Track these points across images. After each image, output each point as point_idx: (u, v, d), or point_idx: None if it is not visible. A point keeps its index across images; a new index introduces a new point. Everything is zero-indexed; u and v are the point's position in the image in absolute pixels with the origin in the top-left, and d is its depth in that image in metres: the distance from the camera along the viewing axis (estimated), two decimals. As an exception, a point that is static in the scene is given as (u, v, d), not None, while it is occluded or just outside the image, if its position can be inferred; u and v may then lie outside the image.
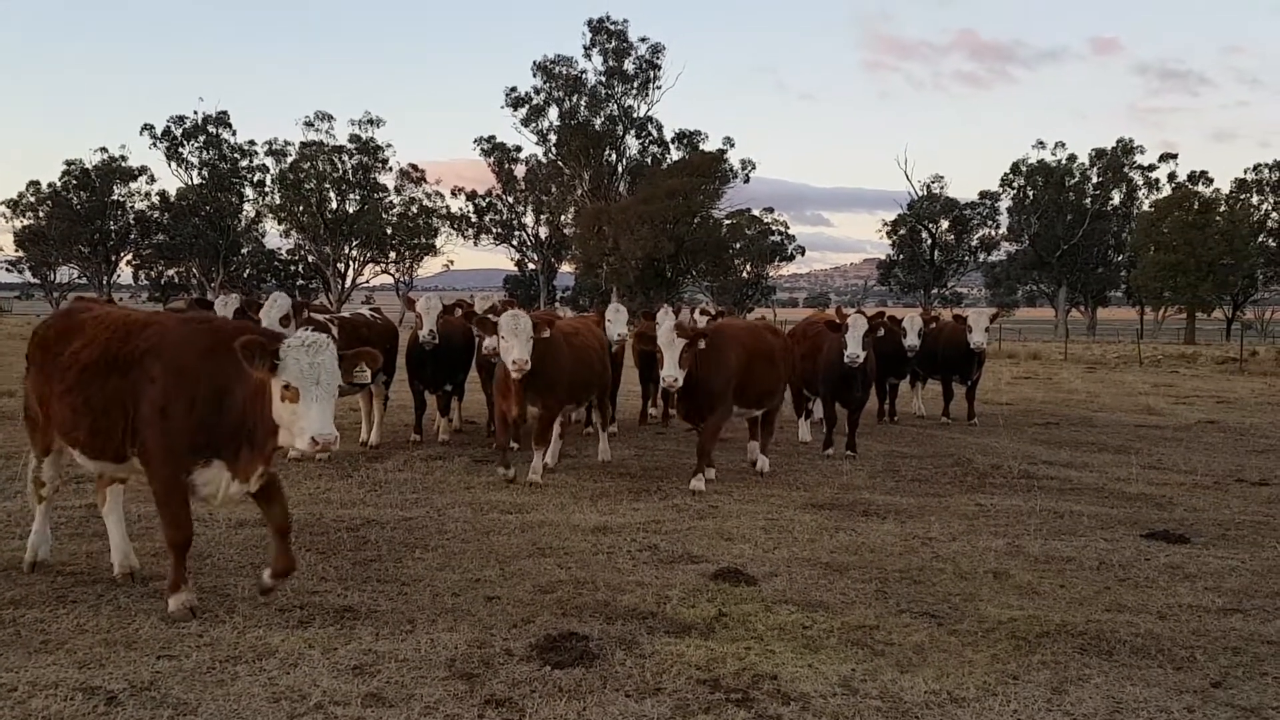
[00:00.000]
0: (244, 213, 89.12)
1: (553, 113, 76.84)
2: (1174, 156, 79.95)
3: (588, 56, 75.81)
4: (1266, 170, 75.56)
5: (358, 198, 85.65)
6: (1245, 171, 76.86)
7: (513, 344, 9.47)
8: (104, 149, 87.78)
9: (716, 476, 10.78)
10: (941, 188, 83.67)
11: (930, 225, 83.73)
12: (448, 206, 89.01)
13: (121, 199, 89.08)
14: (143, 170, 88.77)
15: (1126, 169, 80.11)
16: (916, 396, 17.65)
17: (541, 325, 9.70)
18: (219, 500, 5.92)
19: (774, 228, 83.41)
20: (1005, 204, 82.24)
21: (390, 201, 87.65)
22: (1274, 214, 75.72)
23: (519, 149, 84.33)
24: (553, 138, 77.19)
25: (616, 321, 13.47)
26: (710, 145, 76.55)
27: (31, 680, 4.79)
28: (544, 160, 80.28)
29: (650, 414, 15.41)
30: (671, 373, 9.49)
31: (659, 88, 76.62)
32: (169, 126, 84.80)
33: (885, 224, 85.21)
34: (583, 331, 11.33)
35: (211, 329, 5.91)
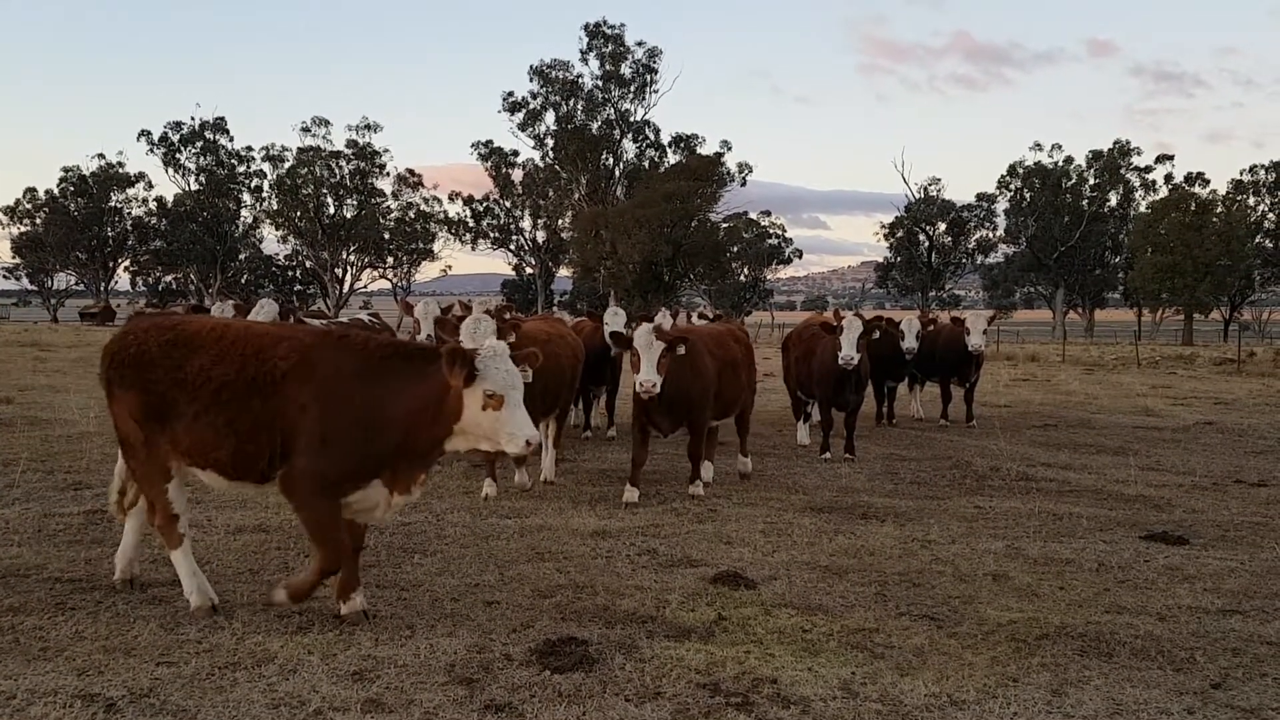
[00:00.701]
0: (241, 218, 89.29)
1: (550, 117, 76.98)
2: (1170, 158, 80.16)
3: (584, 61, 75.97)
4: (1263, 171, 75.72)
5: (355, 203, 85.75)
6: (1241, 172, 77.02)
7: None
8: (101, 155, 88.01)
9: (714, 480, 10.77)
10: (939, 190, 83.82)
11: (927, 228, 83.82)
12: (445, 211, 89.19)
13: (119, 205, 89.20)
14: (140, 176, 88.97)
15: (1123, 171, 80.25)
16: (914, 399, 17.66)
17: (506, 330, 9.39)
18: (378, 516, 5.92)
19: (771, 231, 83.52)
20: (1002, 206, 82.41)
21: (388, 206, 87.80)
22: (1271, 215, 75.89)
23: (516, 153, 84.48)
24: (550, 142, 77.29)
25: (614, 325, 13.46)
26: (707, 149, 76.68)
27: (30, 687, 4.77)
28: (541, 164, 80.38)
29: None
30: (649, 377, 8.97)
31: (656, 91, 76.77)
32: (166, 133, 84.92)
33: (883, 226, 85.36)
34: (555, 338, 10.75)
35: (355, 347, 5.78)
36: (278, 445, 5.60)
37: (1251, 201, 75.65)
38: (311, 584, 5.80)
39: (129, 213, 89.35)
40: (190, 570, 6.00)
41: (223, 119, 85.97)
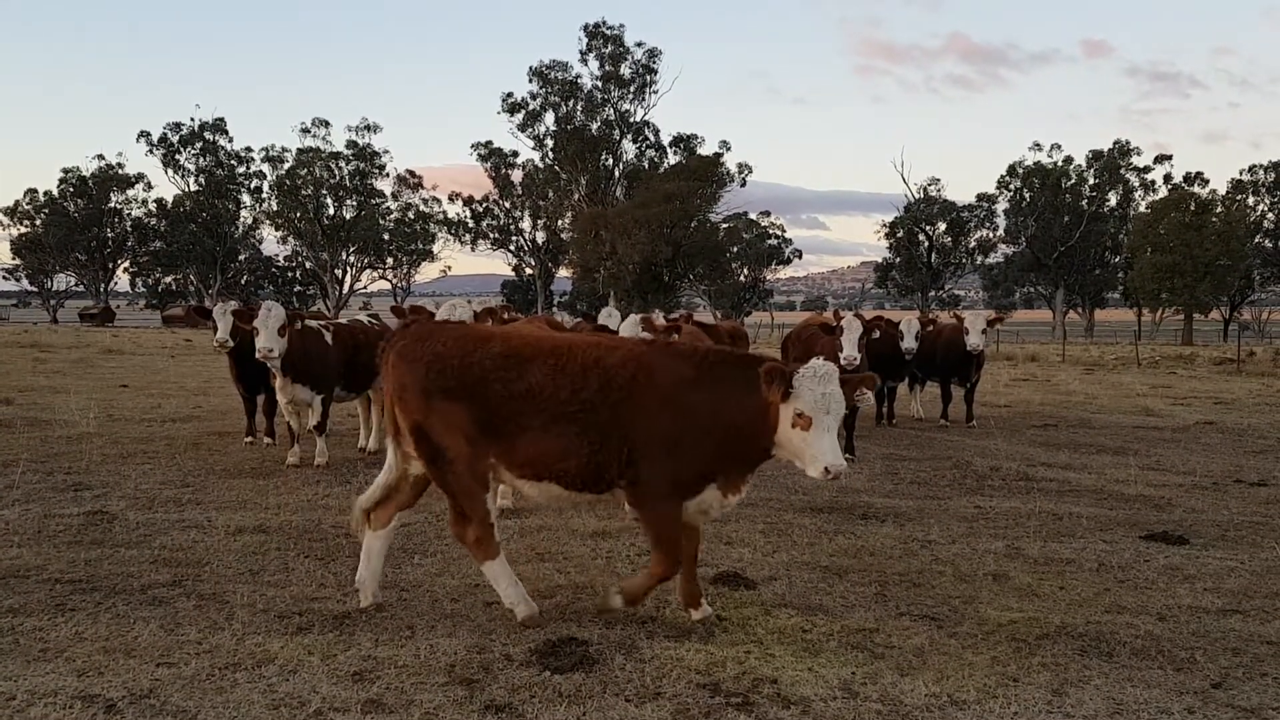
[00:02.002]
0: (241, 219, 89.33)
1: (549, 118, 77.09)
2: (1169, 158, 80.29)
3: (584, 62, 76.09)
4: (1262, 171, 75.78)
5: (355, 204, 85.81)
6: (1241, 172, 77.13)
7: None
8: (101, 156, 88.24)
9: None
10: (938, 190, 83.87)
11: (927, 228, 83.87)
12: (445, 212, 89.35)
13: (118, 206, 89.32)
14: (140, 177, 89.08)
15: (1123, 171, 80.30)
16: (915, 399, 17.66)
17: (484, 318, 9.00)
18: (711, 517, 5.94)
19: (771, 231, 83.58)
20: (1002, 206, 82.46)
21: (387, 207, 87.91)
22: (1270, 215, 75.93)
23: (516, 154, 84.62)
24: (549, 143, 77.39)
25: (610, 326, 13.45)
26: (706, 149, 76.76)
27: (30, 689, 4.77)
28: (541, 165, 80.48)
29: None
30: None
31: (655, 92, 76.90)
32: (166, 133, 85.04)
33: (883, 225, 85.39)
34: None
35: (689, 355, 5.81)
36: (625, 454, 5.58)
37: (1251, 201, 75.73)
38: (647, 588, 5.79)
39: (129, 214, 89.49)
40: (510, 580, 5.94)
41: (222, 120, 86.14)
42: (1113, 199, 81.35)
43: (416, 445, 5.89)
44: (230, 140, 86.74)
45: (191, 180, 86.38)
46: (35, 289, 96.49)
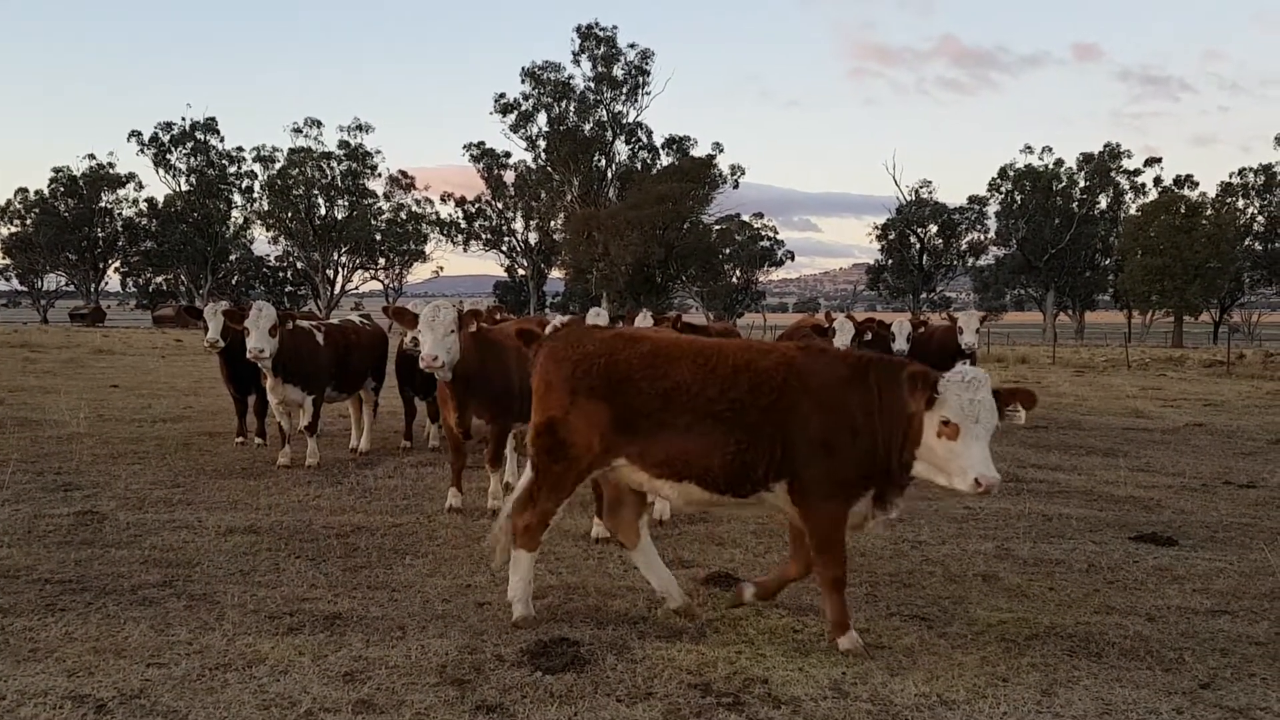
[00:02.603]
0: (232, 219, 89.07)
1: (542, 118, 77.07)
2: (1159, 161, 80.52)
3: (576, 63, 76.08)
4: (1252, 174, 76.10)
5: (346, 204, 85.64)
6: (1231, 175, 77.43)
7: (427, 337, 8.44)
8: (92, 156, 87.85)
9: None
10: (930, 192, 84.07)
11: (919, 230, 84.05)
12: (437, 213, 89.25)
13: (109, 206, 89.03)
14: (130, 177, 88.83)
15: (1113, 173, 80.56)
16: None
17: (468, 320, 8.73)
18: (858, 530, 5.85)
19: (763, 233, 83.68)
20: (993, 208, 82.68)
21: (379, 208, 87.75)
22: (1260, 218, 76.25)
23: (508, 155, 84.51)
24: (542, 143, 77.35)
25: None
26: (699, 151, 76.79)
27: (20, 689, 4.76)
28: (533, 166, 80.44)
29: None
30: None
31: (648, 93, 76.94)
32: (157, 133, 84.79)
33: (875, 228, 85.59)
34: None
35: (840, 358, 5.79)
36: (777, 457, 5.52)
37: (1241, 204, 76.04)
38: (838, 600, 5.61)
39: (119, 213, 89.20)
40: (526, 579, 5.93)
41: (213, 119, 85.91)
42: (1103, 201, 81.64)
43: (539, 436, 5.86)
44: (221, 140, 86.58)
45: (182, 180, 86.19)
46: (25, 289, 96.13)
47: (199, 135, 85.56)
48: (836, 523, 5.58)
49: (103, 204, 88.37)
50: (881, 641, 5.67)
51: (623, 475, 5.89)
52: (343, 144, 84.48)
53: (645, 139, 78.98)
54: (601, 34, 75.37)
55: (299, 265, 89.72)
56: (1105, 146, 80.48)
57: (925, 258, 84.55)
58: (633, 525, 6.12)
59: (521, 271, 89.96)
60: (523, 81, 76.76)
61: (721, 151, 76.51)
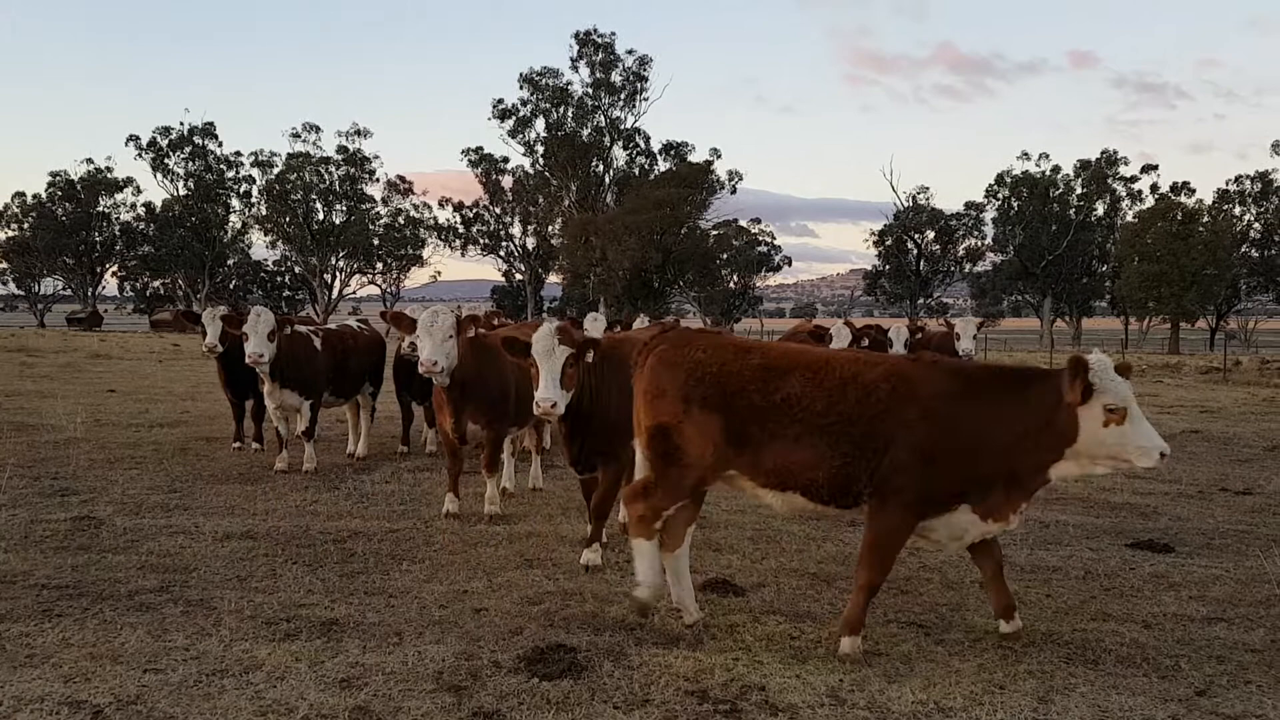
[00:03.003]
0: (230, 224, 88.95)
1: (540, 124, 77.05)
2: (1155, 168, 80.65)
3: (574, 68, 76.09)
4: (1249, 181, 76.24)
5: (344, 209, 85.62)
6: (1227, 182, 77.53)
7: (425, 342, 8.42)
8: (89, 160, 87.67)
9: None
10: (927, 198, 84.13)
11: (916, 236, 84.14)
12: (435, 218, 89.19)
13: (107, 210, 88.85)
14: (128, 181, 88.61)
15: (1110, 180, 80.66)
16: None
17: (465, 325, 8.65)
18: (960, 544, 5.83)
19: (760, 238, 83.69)
20: (990, 215, 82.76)
21: (377, 212, 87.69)
22: (1256, 225, 76.39)
23: (506, 160, 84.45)
24: (540, 149, 77.34)
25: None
26: (696, 156, 76.83)
27: (17, 694, 4.76)
28: (531, 171, 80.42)
29: None
30: (549, 395, 6.74)
31: (646, 99, 76.92)
32: (155, 137, 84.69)
33: (872, 234, 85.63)
34: None
35: (953, 370, 5.85)
36: (880, 467, 5.53)
37: (1237, 211, 76.17)
38: (863, 605, 5.66)
39: (117, 218, 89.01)
40: (652, 565, 5.90)
41: (211, 124, 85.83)
42: (1100, 208, 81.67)
43: (652, 442, 5.88)
44: (220, 144, 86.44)
45: (180, 184, 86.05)
46: (22, 293, 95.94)
47: (197, 140, 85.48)
48: (900, 533, 5.63)
49: (100, 208, 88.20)
50: (879, 648, 5.68)
51: (729, 484, 5.93)
52: (341, 149, 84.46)
53: (643, 144, 79.03)
54: (600, 40, 75.44)
55: (297, 270, 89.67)
56: (1102, 153, 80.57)
57: (922, 264, 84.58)
58: (681, 529, 6.11)
59: (519, 276, 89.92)
60: (521, 87, 76.80)
61: (719, 157, 76.54)
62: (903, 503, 5.53)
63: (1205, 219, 70.46)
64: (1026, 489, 5.63)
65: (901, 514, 5.56)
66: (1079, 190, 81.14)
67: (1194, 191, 77.99)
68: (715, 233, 75.56)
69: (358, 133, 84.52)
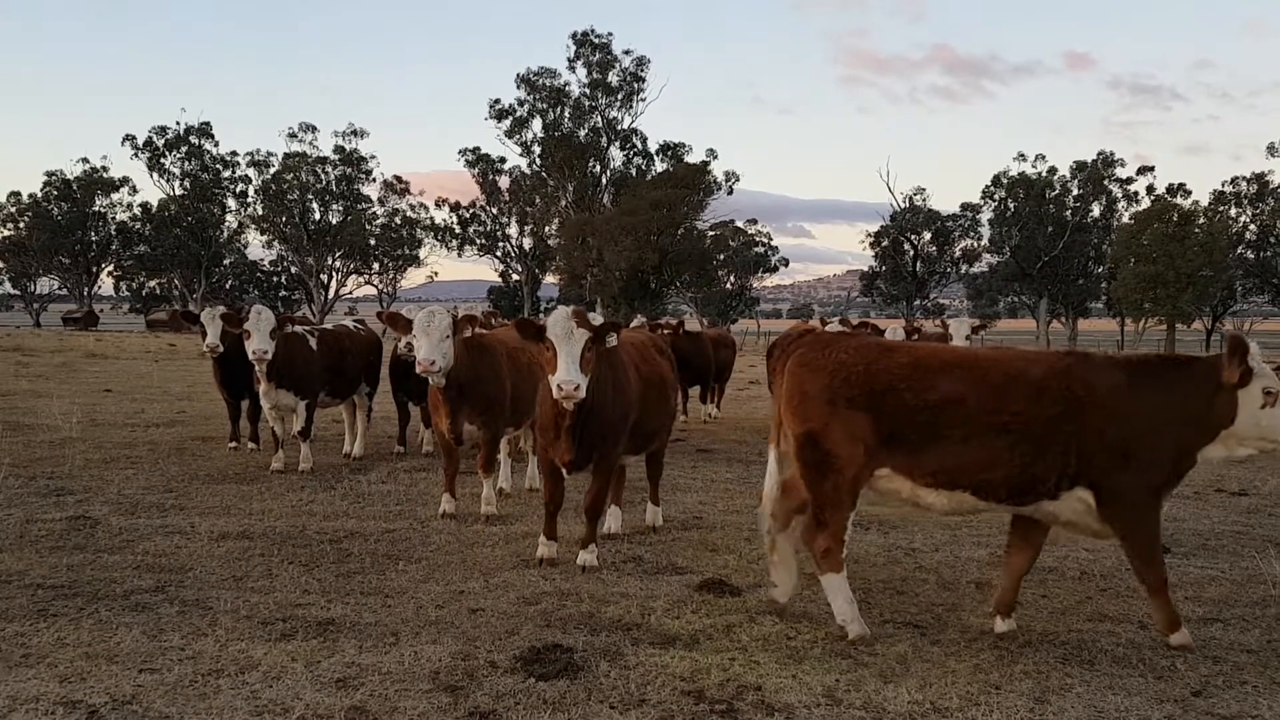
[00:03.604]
0: (226, 224, 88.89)
1: (536, 124, 76.97)
2: (1152, 169, 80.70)
3: (571, 69, 76.02)
4: (1244, 183, 76.36)
5: (341, 209, 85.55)
6: (1223, 184, 77.67)
7: (422, 342, 8.40)
8: (85, 159, 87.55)
9: (700, 486, 10.78)
10: (924, 200, 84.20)
11: (912, 237, 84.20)
12: (431, 218, 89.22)
13: (103, 210, 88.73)
14: (124, 181, 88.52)
15: (1106, 182, 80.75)
16: None
17: (463, 325, 8.57)
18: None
19: (757, 239, 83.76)
20: (987, 216, 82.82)
21: (374, 212, 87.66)
22: (1252, 226, 76.52)
23: (503, 160, 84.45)
24: (537, 149, 77.29)
25: None
26: (693, 157, 76.83)
27: (12, 694, 4.75)
28: (528, 171, 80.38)
29: None
30: (571, 377, 6.55)
31: (643, 100, 76.87)
32: (151, 137, 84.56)
33: (868, 235, 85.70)
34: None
35: (1116, 361, 5.85)
36: (1071, 467, 5.54)
37: (1233, 213, 76.28)
38: (1165, 604, 5.74)
39: (113, 217, 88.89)
40: (848, 598, 5.87)
41: (208, 124, 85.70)
42: (1096, 209, 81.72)
43: (802, 450, 5.84)
44: (216, 144, 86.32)
45: (177, 184, 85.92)
46: (18, 292, 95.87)
47: (193, 139, 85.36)
48: (1153, 523, 5.71)
49: (96, 208, 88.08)
50: (875, 649, 5.68)
51: (880, 485, 5.89)
52: (338, 149, 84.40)
53: (640, 145, 78.98)
54: (597, 40, 75.38)
55: (293, 270, 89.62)
56: (1099, 155, 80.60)
57: (919, 264, 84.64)
58: (790, 514, 6.17)
59: (516, 277, 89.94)
60: (518, 87, 76.71)
61: (716, 158, 76.66)
62: (1136, 501, 5.60)
63: (1201, 220, 70.55)
64: (1180, 472, 5.74)
65: (1143, 511, 5.64)
66: (1075, 191, 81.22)
67: (1190, 193, 78.13)
68: (712, 233, 75.60)
69: (354, 133, 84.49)
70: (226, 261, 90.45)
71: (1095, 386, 5.58)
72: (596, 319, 12.84)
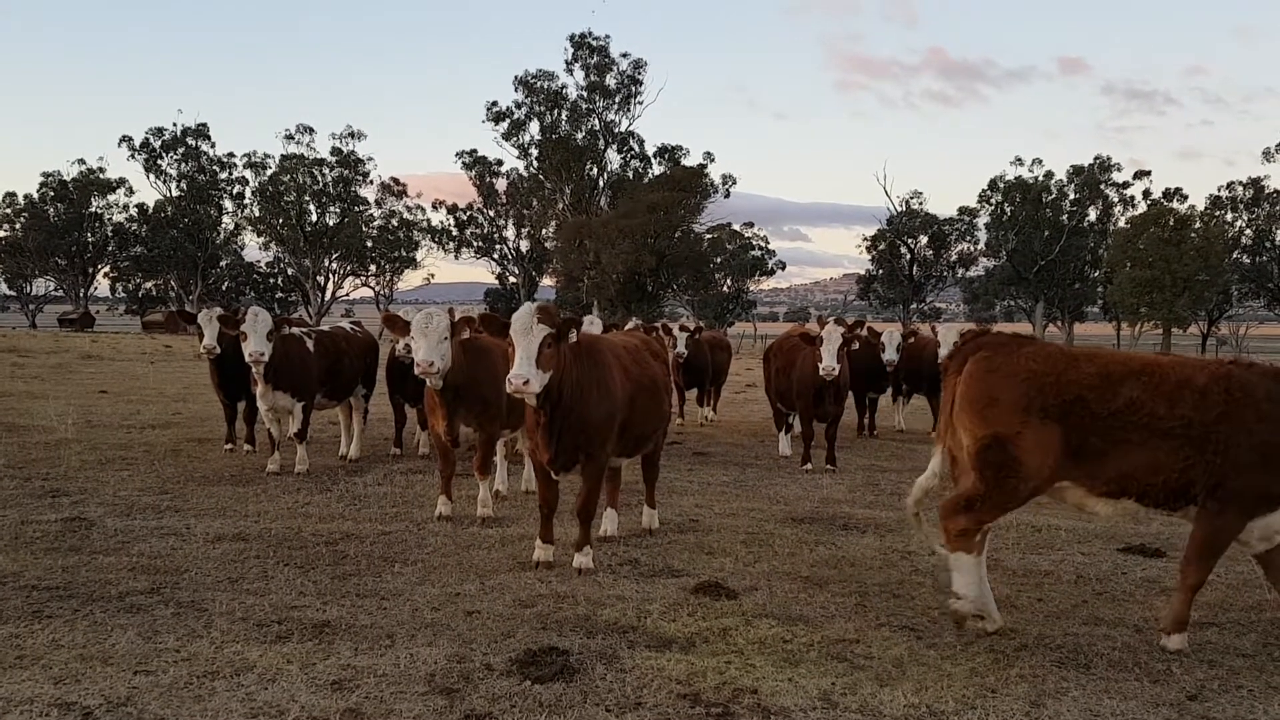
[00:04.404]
0: (223, 225, 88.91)
1: (534, 127, 77.07)
2: (1148, 174, 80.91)
3: (569, 71, 76.13)
4: (1240, 188, 76.56)
5: (338, 210, 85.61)
6: (1220, 189, 77.87)
7: (421, 344, 8.42)
8: (82, 160, 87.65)
9: (697, 489, 10.78)
10: (921, 203, 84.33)
11: (909, 241, 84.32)
12: (428, 220, 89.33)
13: (99, 211, 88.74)
14: (121, 182, 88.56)
15: (1103, 186, 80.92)
16: (897, 411, 17.66)
17: (460, 326, 8.54)
18: (1268, 544, 5.85)
19: (754, 242, 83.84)
20: (983, 220, 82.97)
21: (371, 214, 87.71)
22: (1248, 231, 76.70)
23: (500, 163, 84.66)
24: (534, 152, 77.37)
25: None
26: (690, 160, 76.91)
27: (6, 696, 4.74)
28: (525, 174, 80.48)
29: None
30: (521, 371, 6.49)
31: (640, 103, 76.96)
32: (148, 138, 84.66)
33: (865, 239, 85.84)
34: None
35: (1271, 371, 5.88)
36: (1215, 471, 5.61)
37: (1229, 217, 76.45)
38: (1187, 603, 5.81)
39: (109, 219, 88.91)
40: (976, 580, 5.95)
41: (205, 125, 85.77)
42: (1092, 214, 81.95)
43: (984, 452, 5.85)
44: (213, 146, 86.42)
45: (173, 185, 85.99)
46: (14, 293, 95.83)
47: (190, 141, 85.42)
48: (1231, 534, 5.73)
49: (93, 209, 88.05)
50: (871, 652, 5.68)
51: (1057, 495, 5.96)
52: (335, 150, 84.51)
53: (637, 148, 79.07)
54: (594, 43, 75.47)
55: (290, 271, 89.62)
56: (1095, 159, 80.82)
57: (915, 268, 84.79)
58: (982, 535, 6.13)
59: (513, 279, 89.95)
60: (515, 90, 76.80)
61: (713, 161, 76.70)
62: (1240, 505, 5.64)
63: (1197, 225, 70.70)
64: None
65: (1236, 515, 5.67)
66: (1072, 196, 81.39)
67: (1186, 198, 78.35)
68: (709, 236, 75.66)
69: (351, 134, 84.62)
70: (223, 263, 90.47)
71: (1256, 394, 5.67)
72: (596, 322, 12.83)
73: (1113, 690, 5.19)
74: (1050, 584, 7.30)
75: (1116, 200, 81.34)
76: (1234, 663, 5.66)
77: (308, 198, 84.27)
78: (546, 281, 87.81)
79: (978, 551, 5.96)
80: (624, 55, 76.03)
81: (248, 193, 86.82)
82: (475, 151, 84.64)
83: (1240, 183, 76.77)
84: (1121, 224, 77.76)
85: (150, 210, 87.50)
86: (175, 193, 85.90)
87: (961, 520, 5.89)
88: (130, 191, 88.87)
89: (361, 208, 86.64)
